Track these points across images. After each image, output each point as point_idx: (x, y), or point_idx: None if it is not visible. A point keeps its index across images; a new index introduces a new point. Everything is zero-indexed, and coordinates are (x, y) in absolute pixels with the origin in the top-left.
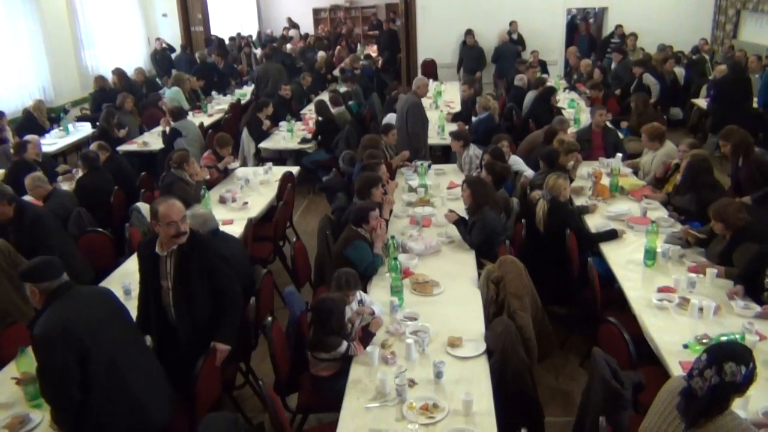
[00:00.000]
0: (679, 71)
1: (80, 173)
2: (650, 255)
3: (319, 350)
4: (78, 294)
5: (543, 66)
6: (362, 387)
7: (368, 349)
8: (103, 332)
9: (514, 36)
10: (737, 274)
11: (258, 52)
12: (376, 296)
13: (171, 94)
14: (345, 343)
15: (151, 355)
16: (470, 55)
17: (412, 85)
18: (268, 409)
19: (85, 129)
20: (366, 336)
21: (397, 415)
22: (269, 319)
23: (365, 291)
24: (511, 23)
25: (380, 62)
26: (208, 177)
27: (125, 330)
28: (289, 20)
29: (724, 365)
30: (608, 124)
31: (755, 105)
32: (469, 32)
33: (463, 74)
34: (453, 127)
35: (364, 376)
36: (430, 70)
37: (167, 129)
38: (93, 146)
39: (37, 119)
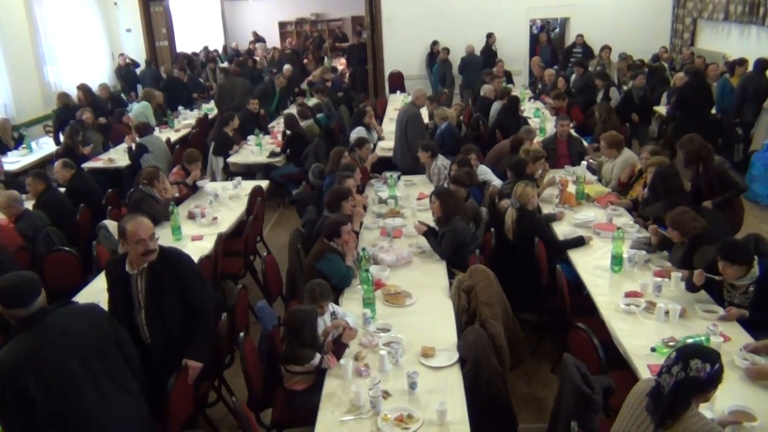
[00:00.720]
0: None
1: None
2: (617, 260)
3: (292, 363)
4: (50, 326)
5: (508, 76)
6: (336, 400)
7: (342, 361)
8: (64, 376)
9: (494, 48)
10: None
11: (225, 65)
12: (349, 308)
13: (140, 109)
14: (318, 356)
15: (132, 399)
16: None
17: (411, 95)
18: (242, 425)
19: (49, 146)
20: (339, 348)
21: (372, 427)
22: (241, 334)
23: (337, 303)
24: (489, 35)
25: (347, 75)
26: (177, 195)
27: (102, 369)
28: (255, 34)
29: (690, 361)
30: (573, 132)
31: (713, 111)
32: (442, 46)
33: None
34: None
35: (338, 389)
36: (398, 82)
37: (133, 145)
38: (57, 164)
39: (0, 138)
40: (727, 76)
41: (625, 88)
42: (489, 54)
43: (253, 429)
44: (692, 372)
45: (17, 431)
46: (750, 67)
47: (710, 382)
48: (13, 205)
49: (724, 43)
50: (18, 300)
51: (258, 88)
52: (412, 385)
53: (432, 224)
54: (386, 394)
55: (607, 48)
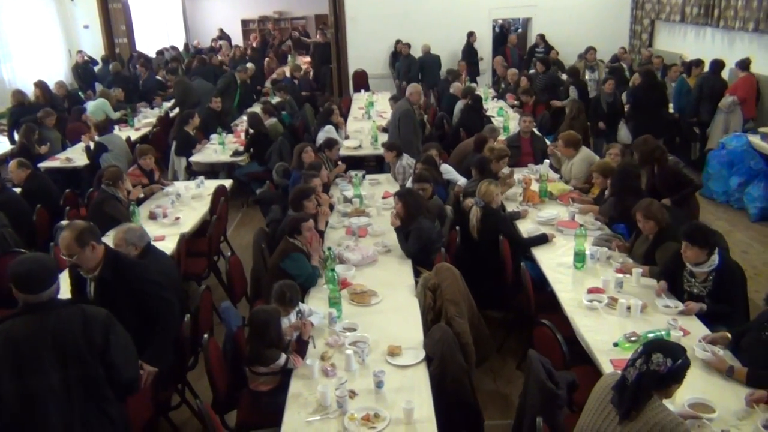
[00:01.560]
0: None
1: None
2: (579, 258)
3: (257, 364)
4: (38, 320)
5: (471, 75)
6: (303, 400)
7: (308, 361)
8: (33, 376)
9: (475, 46)
10: (659, 272)
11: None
12: (315, 308)
13: (97, 105)
14: (284, 356)
15: (106, 423)
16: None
17: (406, 92)
18: (206, 428)
19: (3, 146)
20: (301, 346)
21: (339, 427)
22: (205, 336)
23: (302, 302)
24: (470, 34)
25: (311, 74)
26: (142, 196)
27: (77, 382)
28: (221, 31)
29: (653, 355)
30: (535, 130)
31: (671, 110)
32: (403, 42)
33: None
34: (386, 137)
35: (304, 389)
36: (362, 80)
37: (91, 144)
38: (12, 164)
39: None
40: (684, 76)
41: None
42: (471, 52)
43: (218, 429)
44: (653, 365)
45: None
46: (706, 68)
47: (670, 377)
48: None
49: (681, 44)
50: (30, 286)
51: (219, 83)
52: (379, 384)
53: None
54: (353, 394)
55: (592, 49)
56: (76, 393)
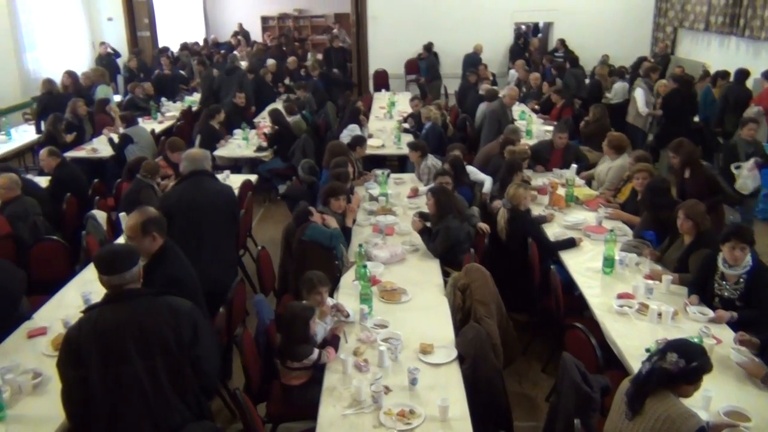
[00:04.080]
0: (623, 85)
1: None
2: (608, 263)
3: (290, 359)
4: (125, 309)
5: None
6: (337, 394)
7: (341, 356)
8: (120, 364)
9: (481, 56)
10: (692, 278)
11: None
12: (345, 304)
13: (102, 92)
14: (316, 351)
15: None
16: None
17: (502, 92)
18: (243, 416)
19: (30, 134)
20: (334, 340)
21: (374, 421)
22: (239, 328)
23: (332, 297)
24: (476, 47)
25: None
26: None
27: (162, 375)
28: (240, 26)
29: (668, 353)
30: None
31: (696, 119)
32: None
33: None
34: (408, 137)
35: (338, 383)
36: (382, 80)
37: (114, 136)
38: (43, 152)
39: None
40: (710, 85)
41: (608, 94)
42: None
43: (255, 419)
44: (665, 363)
45: (75, 406)
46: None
47: (682, 377)
48: (14, 188)
49: (705, 53)
50: (113, 266)
51: (247, 83)
52: (413, 381)
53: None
54: (387, 390)
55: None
56: (160, 382)
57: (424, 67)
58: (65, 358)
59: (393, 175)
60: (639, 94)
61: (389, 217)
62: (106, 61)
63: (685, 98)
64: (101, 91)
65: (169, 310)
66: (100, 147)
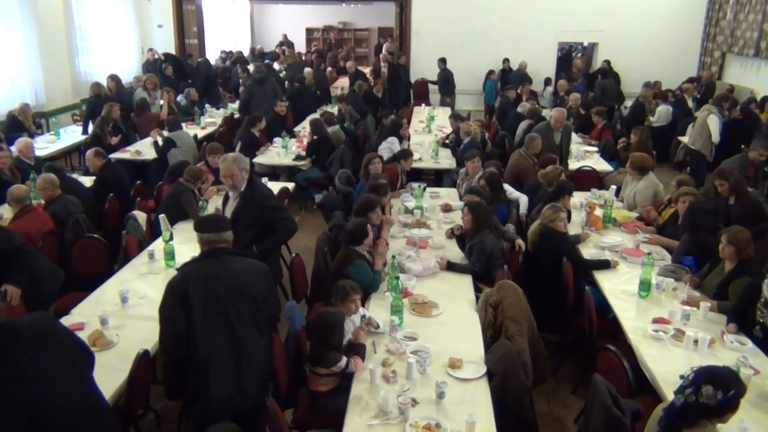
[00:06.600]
0: (666, 108)
1: None
2: (645, 286)
3: (318, 365)
4: (221, 263)
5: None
6: (364, 404)
7: (370, 366)
8: (211, 309)
9: (507, 67)
10: (730, 309)
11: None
12: (376, 315)
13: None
14: (345, 359)
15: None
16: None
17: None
18: (271, 422)
19: (77, 135)
20: (360, 349)
21: None
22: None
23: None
24: (505, 60)
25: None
26: (215, 196)
27: (249, 324)
28: (284, 37)
29: (702, 387)
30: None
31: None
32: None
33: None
34: (447, 151)
35: (365, 393)
36: (422, 89)
37: (159, 139)
38: (90, 152)
39: (22, 123)
40: (757, 111)
41: (651, 118)
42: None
43: (282, 424)
44: (702, 398)
45: (177, 346)
46: None
47: (721, 408)
48: (49, 187)
49: (754, 79)
50: (215, 225)
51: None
52: (441, 395)
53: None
54: (414, 402)
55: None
56: (246, 327)
57: (441, 81)
58: (170, 302)
59: (429, 189)
60: (714, 122)
61: (423, 230)
62: (152, 66)
63: (746, 130)
64: (141, 94)
65: (255, 269)
66: (144, 150)
